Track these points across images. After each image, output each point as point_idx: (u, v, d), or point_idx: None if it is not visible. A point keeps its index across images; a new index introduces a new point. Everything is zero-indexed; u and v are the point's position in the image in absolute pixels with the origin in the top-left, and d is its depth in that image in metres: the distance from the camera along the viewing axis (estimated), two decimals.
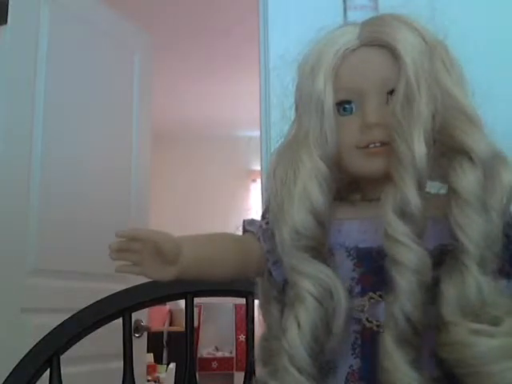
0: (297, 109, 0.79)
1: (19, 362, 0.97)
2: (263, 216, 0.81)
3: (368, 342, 0.71)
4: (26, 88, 1.84)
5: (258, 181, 4.45)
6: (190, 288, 1.06)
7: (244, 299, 1.07)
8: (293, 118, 0.80)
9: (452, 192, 0.68)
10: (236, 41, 3.56)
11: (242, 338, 4.81)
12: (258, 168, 1.58)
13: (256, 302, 1.06)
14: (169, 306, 4.74)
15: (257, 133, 1.58)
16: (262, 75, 1.53)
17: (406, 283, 0.65)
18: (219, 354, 4.97)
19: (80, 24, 2.07)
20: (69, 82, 2.01)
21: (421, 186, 0.68)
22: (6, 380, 0.96)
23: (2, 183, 1.74)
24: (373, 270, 0.72)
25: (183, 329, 1.07)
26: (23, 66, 1.85)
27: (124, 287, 1.08)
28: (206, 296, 1.10)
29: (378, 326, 0.71)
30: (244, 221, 0.83)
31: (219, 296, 1.09)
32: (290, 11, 1.50)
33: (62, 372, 0.98)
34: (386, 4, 1.37)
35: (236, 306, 4.92)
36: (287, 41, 1.49)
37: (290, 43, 1.46)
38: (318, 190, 0.71)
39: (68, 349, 1.01)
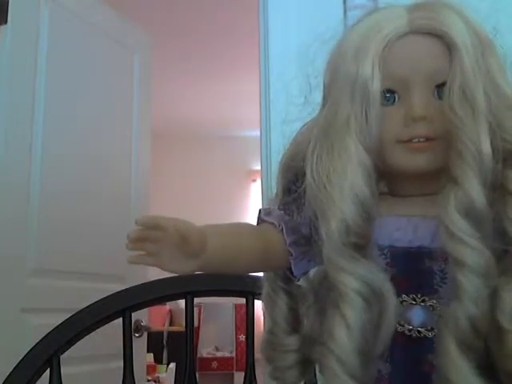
0: (328, 90, 0.74)
1: (19, 362, 0.97)
2: (281, 206, 0.77)
3: (399, 347, 0.68)
4: (26, 88, 1.84)
5: (258, 181, 4.45)
6: (190, 288, 1.06)
7: (244, 299, 1.07)
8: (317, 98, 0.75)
9: (508, 194, 0.65)
10: (236, 41, 3.56)
11: (242, 338, 4.81)
12: (258, 168, 1.58)
13: (256, 302, 1.06)
14: (169, 306, 4.74)
15: (257, 133, 1.58)
16: (262, 75, 1.53)
17: (471, 286, 0.61)
18: (219, 354, 4.97)
19: (80, 24, 2.07)
20: (69, 82, 2.01)
21: (486, 185, 0.64)
22: (5, 380, 0.96)
23: (1, 183, 1.74)
24: (407, 272, 0.69)
25: (183, 329, 1.07)
26: (23, 66, 1.85)
27: (124, 287, 1.08)
28: (205, 296, 1.10)
29: (410, 330, 0.68)
30: (260, 210, 0.79)
31: (219, 296, 1.09)
32: (289, 11, 1.50)
33: (62, 372, 0.98)
34: (385, 4, 1.37)
35: (236, 306, 4.92)
36: (287, 41, 1.49)
37: (290, 43, 1.47)
38: (365, 183, 0.67)
39: (68, 349, 1.01)
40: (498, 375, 0.63)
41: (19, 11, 1.83)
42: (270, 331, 0.79)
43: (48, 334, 1.00)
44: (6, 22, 1.79)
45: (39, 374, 0.98)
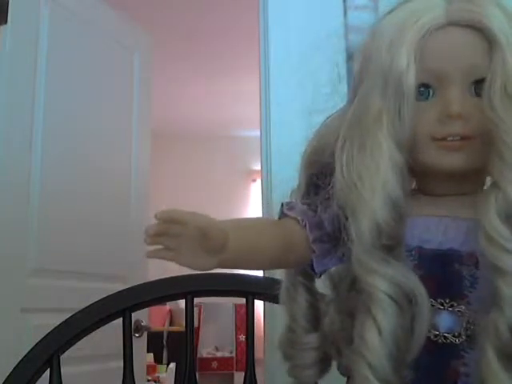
0: (359, 82, 0.71)
1: (19, 362, 0.97)
2: (305, 201, 0.74)
3: (424, 352, 0.65)
4: (26, 88, 1.84)
5: (258, 181, 4.45)
6: (190, 288, 1.06)
7: (244, 299, 1.07)
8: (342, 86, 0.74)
9: None
10: (236, 41, 3.56)
11: (242, 338, 4.81)
12: (258, 168, 1.58)
13: (256, 302, 1.06)
14: (169, 306, 4.74)
15: (257, 133, 1.58)
16: (262, 75, 1.53)
17: None
18: (219, 354, 4.97)
19: (80, 24, 2.07)
20: (69, 82, 2.01)
21: None
22: (5, 380, 0.96)
23: (1, 183, 1.73)
24: (435, 275, 0.67)
25: (183, 329, 1.07)
26: (23, 66, 1.85)
27: (124, 287, 1.08)
28: (205, 296, 1.10)
29: (436, 335, 0.66)
30: (283, 204, 0.76)
31: (219, 296, 1.09)
32: (289, 11, 1.50)
33: (62, 372, 0.98)
34: (386, 4, 1.37)
35: (236, 306, 4.92)
36: (287, 41, 1.49)
37: (290, 43, 1.47)
38: (397, 183, 0.64)
39: (68, 349, 1.01)
40: None
41: (19, 11, 1.83)
42: (289, 328, 0.78)
43: (48, 333, 1.00)
44: (6, 22, 1.79)
45: (39, 374, 0.98)
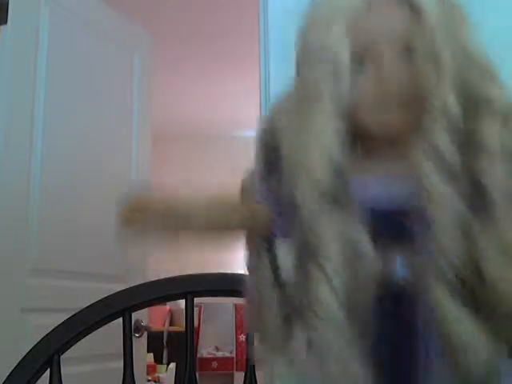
0: (300, 60, 0.77)
1: (19, 362, 0.97)
2: (261, 176, 0.80)
3: (384, 301, 0.68)
4: (26, 88, 1.84)
5: None
6: (190, 288, 1.06)
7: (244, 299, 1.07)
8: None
9: (478, 147, 0.66)
10: (236, 41, 3.56)
11: (242, 338, 4.81)
12: None
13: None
14: (169, 305, 4.74)
15: None
16: (262, 75, 1.53)
17: (448, 240, 0.64)
18: (219, 354, 4.97)
19: (80, 24, 2.07)
20: (69, 82, 2.01)
21: (453, 135, 0.66)
22: (6, 380, 0.96)
23: (2, 183, 1.74)
24: (386, 230, 0.70)
25: (183, 329, 1.07)
26: (23, 66, 1.85)
27: (124, 287, 1.08)
28: (205, 296, 1.10)
29: (391, 282, 0.69)
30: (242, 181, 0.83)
31: (219, 296, 1.09)
32: (290, 11, 1.50)
33: (62, 372, 0.98)
34: None
35: (236, 306, 4.92)
36: (287, 41, 1.49)
37: (290, 43, 1.47)
38: (338, 145, 0.69)
39: (68, 349, 1.01)
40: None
41: (19, 11, 1.83)
42: (256, 290, 0.79)
43: (48, 334, 1.00)
44: (6, 22, 1.79)
45: (39, 374, 0.98)
